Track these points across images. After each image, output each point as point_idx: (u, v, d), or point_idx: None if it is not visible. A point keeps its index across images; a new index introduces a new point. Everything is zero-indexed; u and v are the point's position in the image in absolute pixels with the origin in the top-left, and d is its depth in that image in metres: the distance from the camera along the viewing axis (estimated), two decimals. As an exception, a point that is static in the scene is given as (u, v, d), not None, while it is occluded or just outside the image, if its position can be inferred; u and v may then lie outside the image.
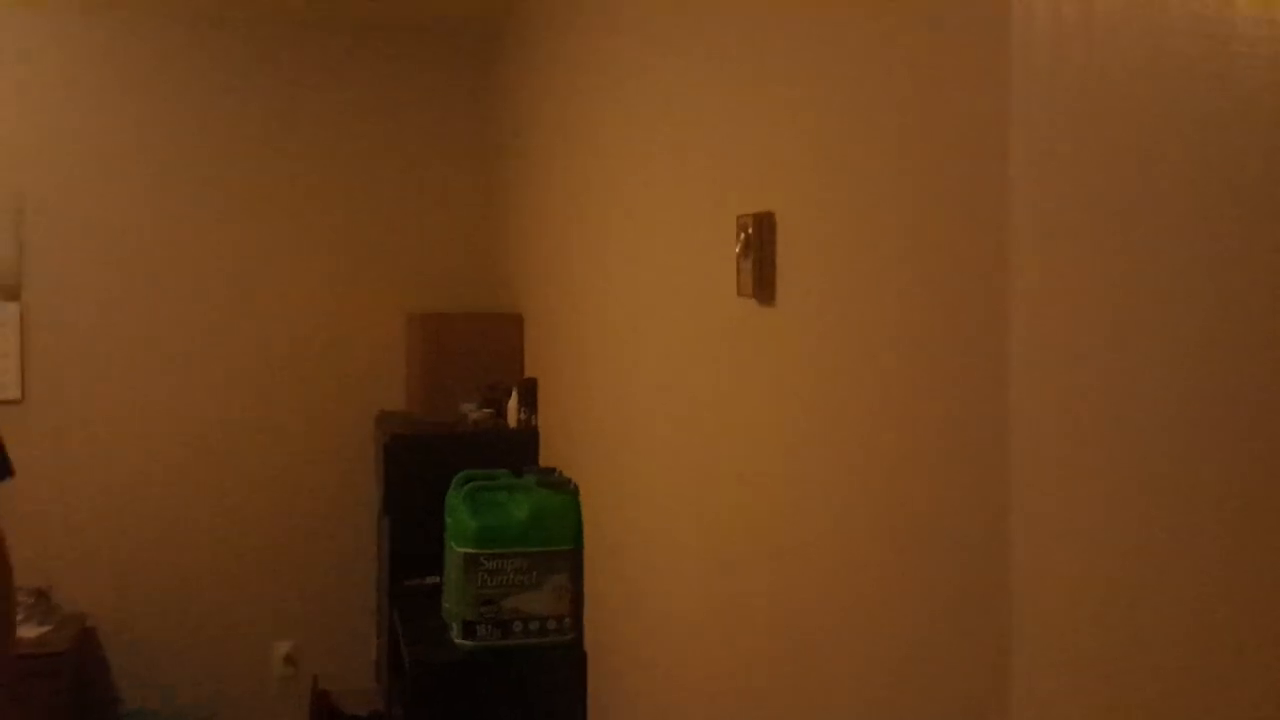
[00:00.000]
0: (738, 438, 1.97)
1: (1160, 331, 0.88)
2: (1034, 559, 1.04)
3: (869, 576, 1.48)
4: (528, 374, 4.00)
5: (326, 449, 4.56)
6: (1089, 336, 0.95)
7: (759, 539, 1.87)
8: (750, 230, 1.83)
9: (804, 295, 1.69)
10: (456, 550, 3.11)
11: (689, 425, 2.25)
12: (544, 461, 3.68)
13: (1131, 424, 0.90)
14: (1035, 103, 1.03)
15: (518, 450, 3.71)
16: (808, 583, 1.67)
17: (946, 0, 1.29)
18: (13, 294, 4.31)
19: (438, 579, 3.40)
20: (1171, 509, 0.86)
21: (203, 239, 4.46)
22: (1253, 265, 0.78)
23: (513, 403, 3.85)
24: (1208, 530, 0.83)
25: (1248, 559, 0.78)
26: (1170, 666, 0.87)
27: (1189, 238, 0.85)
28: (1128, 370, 0.91)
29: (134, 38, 4.39)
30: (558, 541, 3.14)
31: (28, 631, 4.04)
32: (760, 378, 1.86)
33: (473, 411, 3.94)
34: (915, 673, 1.36)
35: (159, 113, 4.42)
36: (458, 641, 3.08)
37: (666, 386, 2.41)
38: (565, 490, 3.23)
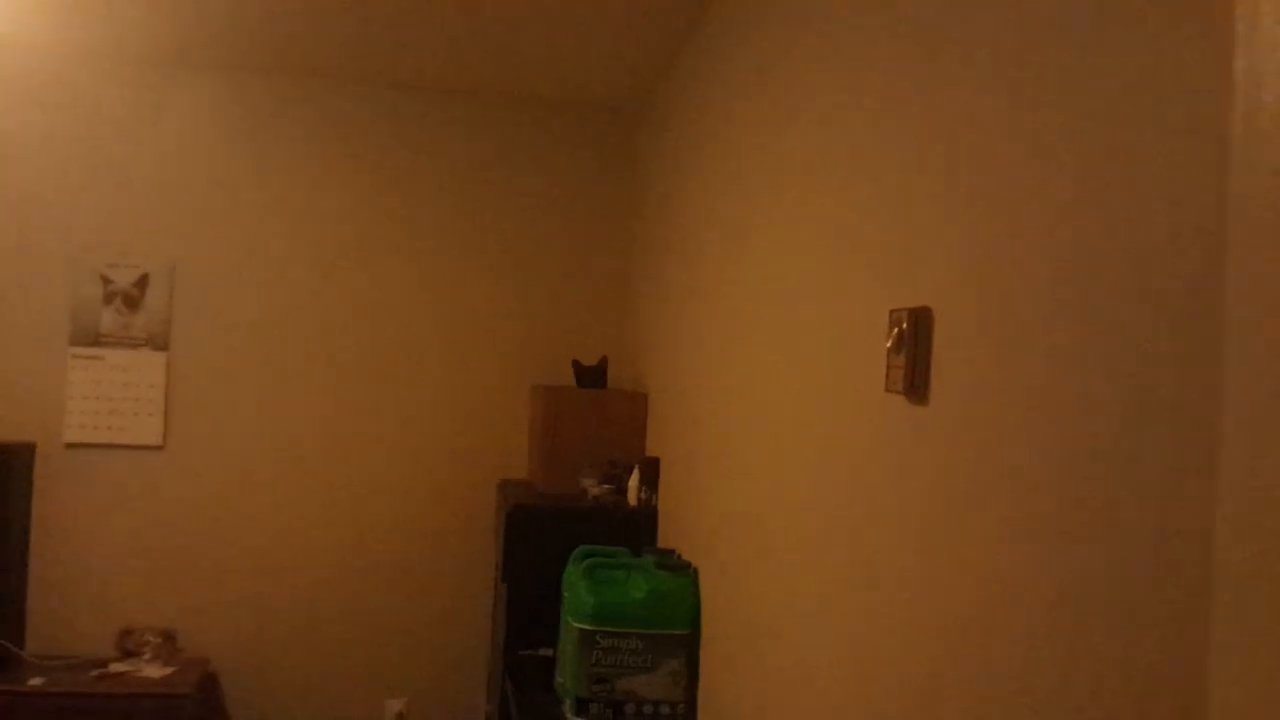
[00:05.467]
0: (877, 534, 1.96)
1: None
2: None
3: (1034, 679, 1.46)
4: (649, 453, 4.04)
5: (448, 512, 4.65)
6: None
7: (898, 640, 1.85)
8: (905, 325, 1.78)
9: (961, 396, 1.64)
10: (573, 625, 3.14)
11: (823, 518, 2.24)
12: (662, 542, 3.70)
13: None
14: (1257, 194, 0.94)
15: (636, 529, 3.74)
16: (955, 688, 1.65)
17: (1152, 85, 1.24)
18: (162, 344, 4.51)
19: (551, 651, 3.43)
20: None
21: (338, 301, 4.63)
22: None
23: (633, 480, 3.88)
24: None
25: None
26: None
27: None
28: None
29: (278, 107, 4.61)
30: (674, 625, 3.14)
31: (153, 671, 4.17)
32: (907, 477, 1.82)
33: (593, 486, 3.98)
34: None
35: (298, 180, 4.63)
36: (570, 718, 3.09)
37: (800, 478, 2.40)
38: (684, 573, 3.24)
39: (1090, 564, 1.31)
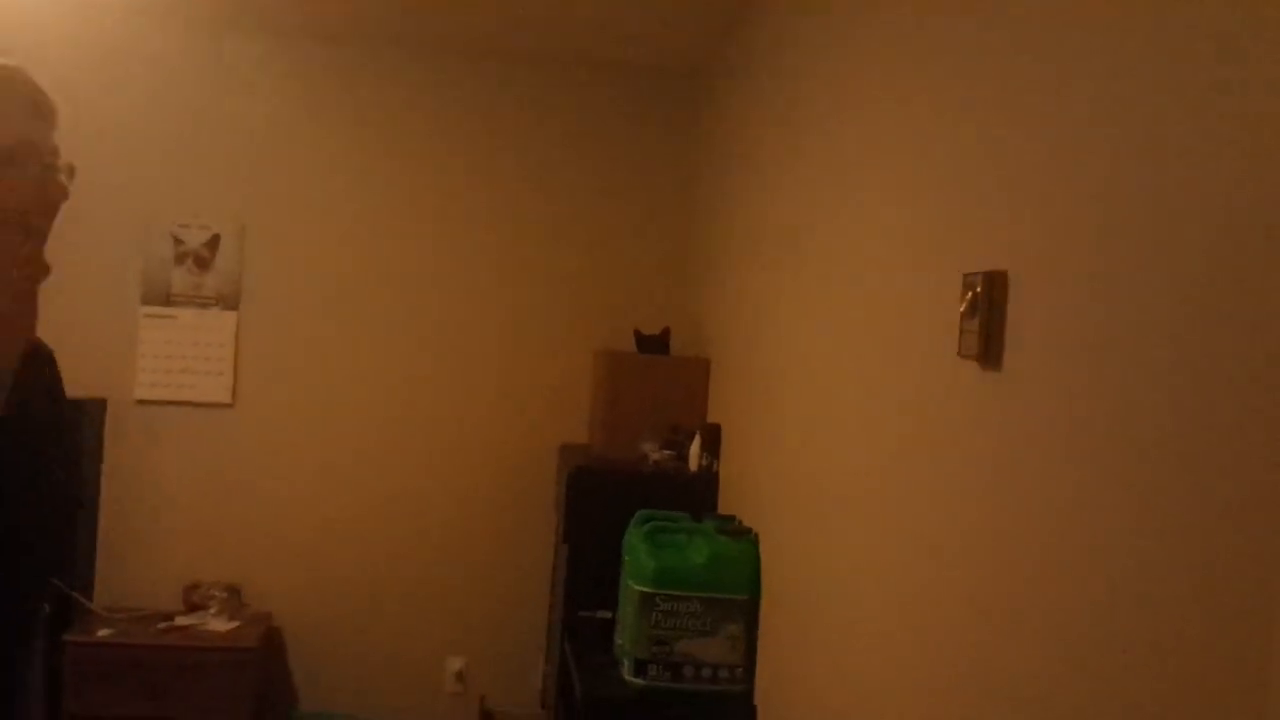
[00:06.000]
0: (944, 501, 1.93)
1: None
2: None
3: (1100, 656, 1.44)
4: (711, 419, 4.03)
5: (509, 475, 4.68)
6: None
7: (962, 608, 1.83)
8: (979, 289, 1.75)
9: (1037, 362, 1.61)
10: (633, 588, 3.14)
11: (888, 484, 2.22)
12: (723, 508, 3.69)
13: None
14: None
15: (697, 494, 3.73)
16: (1021, 656, 1.63)
17: (1245, 36, 1.20)
18: (232, 304, 4.58)
19: (610, 614, 3.44)
20: None
21: (403, 262, 4.67)
22: None
23: (694, 446, 3.87)
24: None
25: None
26: None
27: None
28: None
29: (346, 71, 4.63)
30: (734, 590, 3.14)
31: (219, 625, 4.25)
32: (977, 444, 1.79)
33: (653, 452, 3.98)
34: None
35: (366, 144, 4.66)
36: (628, 679, 3.10)
37: (865, 444, 2.37)
38: (744, 539, 3.23)
39: (1165, 533, 1.27)
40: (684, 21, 4.12)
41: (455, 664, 4.65)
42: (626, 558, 3.27)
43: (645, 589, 3.10)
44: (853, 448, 2.46)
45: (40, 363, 1.62)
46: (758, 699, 3.10)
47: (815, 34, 3.03)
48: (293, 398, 4.61)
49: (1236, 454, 1.16)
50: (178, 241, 4.56)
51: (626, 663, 3.13)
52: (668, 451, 3.98)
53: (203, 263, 4.57)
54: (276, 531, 4.59)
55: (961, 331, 1.83)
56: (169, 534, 4.53)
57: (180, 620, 4.29)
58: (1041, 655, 1.54)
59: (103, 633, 4.14)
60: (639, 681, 3.08)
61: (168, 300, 4.55)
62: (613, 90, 4.75)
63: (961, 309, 1.82)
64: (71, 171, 1.51)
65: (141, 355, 4.53)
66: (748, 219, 3.74)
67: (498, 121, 4.71)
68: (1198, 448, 1.23)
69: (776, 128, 3.42)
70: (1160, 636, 1.28)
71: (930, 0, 2.16)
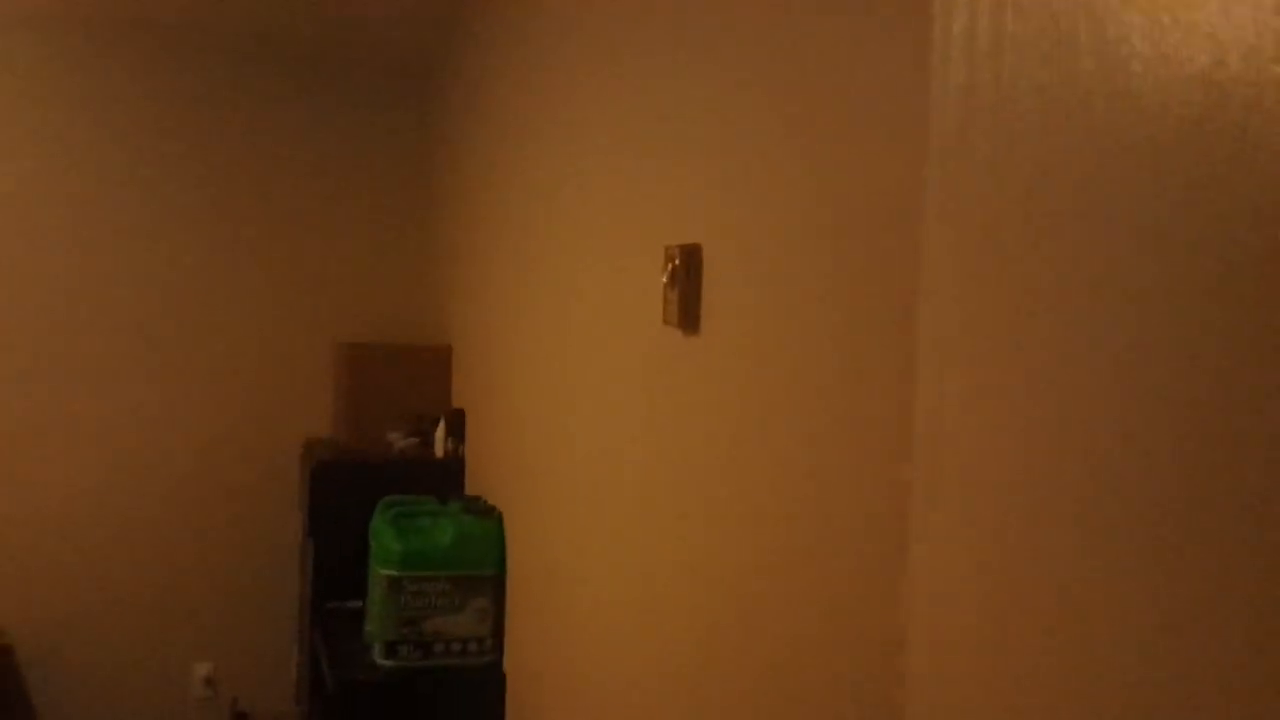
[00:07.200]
0: (660, 464, 2.08)
1: (1066, 366, 0.94)
2: (928, 587, 1.08)
3: (782, 592, 1.61)
4: (455, 404, 4.09)
5: (252, 473, 4.59)
6: (997, 376, 0.98)
7: (680, 561, 1.98)
8: (678, 261, 1.91)
9: (726, 325, 1.79)
10: (380, 573, 3.18)
11: (613, 453, 2.35)
12: (470, 491, 3.76)
13: (1031, 464, 0.94)
14: (950, 138, 1.06)
15: (444, 479, 3.79)
16: (723, 601, 1.79)
17: (862, 40, 1.41)
18: (-62, 311, 4.30)
19: (360, 604, 3.46)
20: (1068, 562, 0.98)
21: (132, 262, 4.48)
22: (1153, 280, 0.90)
23: (440, 432, 3.93)
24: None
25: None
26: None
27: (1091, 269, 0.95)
28: (1034, 410, 0.94)
29: (62, 60, 4.42)
30: (481, 566, 3.23)
31: (-59, 650, 4.01)
32: (683, 405, 1.96)
33: (399, 441, 4.01)
34: (813, 679, 1.49)
35: (87, 137, 4.44)
36: (379, 661, 3.14)
37: (592, 415, 2.51)
38: (489, 517, 3.32)
39: (826, 476, 1.46)
40: (410, 19, 4.16)
41: (202, 669, 4.53)
42: (373, 544, 3.30)
43: (392, 573, 3.15)
44: (579, 422, 2.59)
45: None
46: (507, 667, 3.20)
47: (535, 32, 3.14)
48: (13, 407, 4.37)
49: (884, 404, 1.35)
50: (-127, 245, 4.24)
51: (377, 646, 3.17)
52: (413, 439, 4.02)
53: (-97, 267, 4.27)
54: (3, 546, 4.34)
55: (665, 301, 1.99)
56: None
57: (-105, 649, 4.02)
58: (754, 610, 1.69)
59: None
60: (389, 663, 3.13)
61: None
62: (347, 83, 4.71)
63: (664, 280, 1.99)
64: None
65: None
66: (482, 208, 3.82)
67: (226, 116, 4.58)
68: (852, 398, 1.42)
69: (503, 120, 3.52)
70: (825, 582, 1.46)
71: (629, 20, 2.32)
